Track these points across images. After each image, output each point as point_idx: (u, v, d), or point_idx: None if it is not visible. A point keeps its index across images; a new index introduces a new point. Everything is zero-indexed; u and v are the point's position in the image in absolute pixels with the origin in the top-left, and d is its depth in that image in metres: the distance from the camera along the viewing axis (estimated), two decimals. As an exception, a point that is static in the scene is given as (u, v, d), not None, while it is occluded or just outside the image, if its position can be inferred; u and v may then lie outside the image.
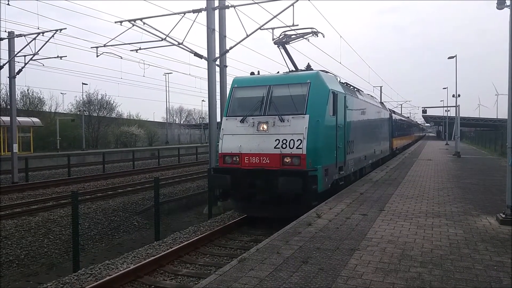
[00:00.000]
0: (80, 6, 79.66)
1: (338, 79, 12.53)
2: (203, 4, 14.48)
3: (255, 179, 9.81)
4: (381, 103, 23.85)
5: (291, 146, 9.66)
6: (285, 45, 11.71)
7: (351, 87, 14.89)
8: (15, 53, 20.35)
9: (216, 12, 14.50)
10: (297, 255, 5.89)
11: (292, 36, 11.78)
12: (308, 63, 12.07)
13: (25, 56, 20.53)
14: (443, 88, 62.53)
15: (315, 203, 9.71)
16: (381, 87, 50.91)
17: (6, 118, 27.57)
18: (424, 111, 50.39)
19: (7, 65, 20.52)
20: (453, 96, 33.96)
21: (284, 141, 9.75)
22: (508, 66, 7.74)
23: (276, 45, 11.72)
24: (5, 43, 20.36)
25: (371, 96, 20.82)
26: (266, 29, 13.74)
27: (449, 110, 53.01)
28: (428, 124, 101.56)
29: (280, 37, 11.71)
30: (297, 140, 9.64)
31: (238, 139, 10.34)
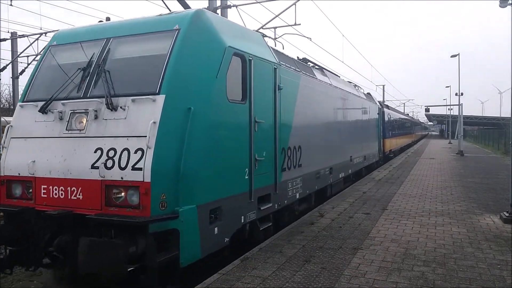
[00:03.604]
0: (82, 6, 79.97)
1: (268, 42, 7.83)
2: (205, 4, 14.50)
3: (58, 235, 5.00)
4: (368, 94, 18.56)
5: (124, 164, 4.77)
6: None
7: (310, 63, 10.60)
8: (18, 53, 20.43)
9: (219, 11, 14.50)
10: (300, 254, 5.89)
11: None
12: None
13: (28, 56, 20.60)
14: (446, 87, 62.38)
15: None
16: (383, 85, 50.80)
17: (10, 118, 27.71)
18: (427, 110, 50.27)
19: (10, 65, 20.61)
20: (456, 94, 33.87)
21: (112, 152, 4.88)
22: (510, 64, 7.72)
23: None
24: (8, 43, 20.47)
25: (355, 85, 16.03)
26: (268, 28, 13.77)
27: (452, 109, 52.85)
28: (431, 123, 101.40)
29: None
30: (136, 151, 4.77)
31: (33, 147, 5.45)
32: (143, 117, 4.89)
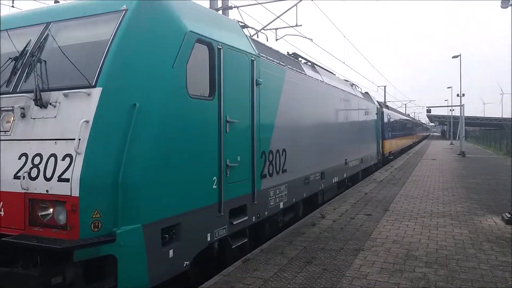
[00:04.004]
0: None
1: (249, 33, 7.06)
2: (206, 5, 14.53)
3: None
4: (365, 93, 17.76)
5: (50, 173, 3.93)
6: None
7: (301, 59, 9.89)
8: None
9: (220, 12, 14.53)
10: (302, 256, 5.89)
11: None
12: None
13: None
14: (447, 88, 62.39)
15: None
16: (385, 86, 50.77)
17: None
18: (428, 111, 50.29)
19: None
20: (458, 95, 33.87)
21: (38, 159, 4.06)
22: (511, 65, 7.72)
23: None
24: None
25: (352, 83, 15.38)
26: (270, 29, 13.78)
27: (453, 110, 52.84)
28: (433, 124, 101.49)
29: None
30: (64, 157, 3.94)
31: None
32: (75, 116, 4.03)
